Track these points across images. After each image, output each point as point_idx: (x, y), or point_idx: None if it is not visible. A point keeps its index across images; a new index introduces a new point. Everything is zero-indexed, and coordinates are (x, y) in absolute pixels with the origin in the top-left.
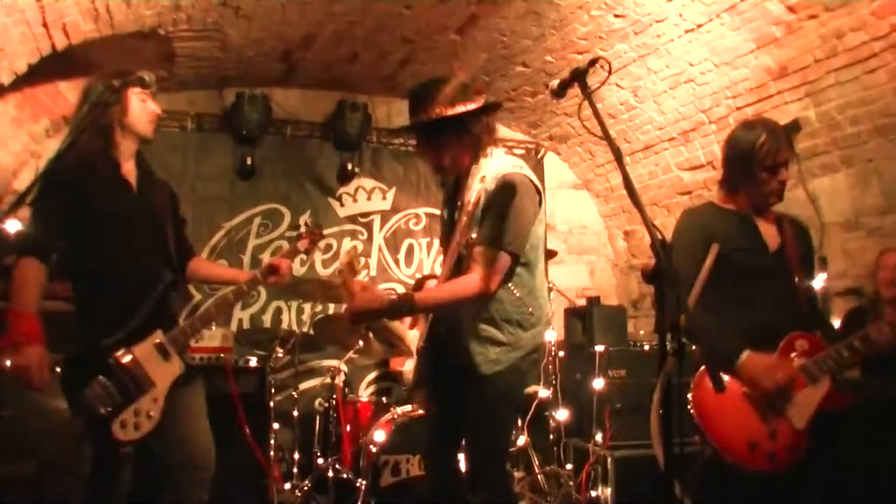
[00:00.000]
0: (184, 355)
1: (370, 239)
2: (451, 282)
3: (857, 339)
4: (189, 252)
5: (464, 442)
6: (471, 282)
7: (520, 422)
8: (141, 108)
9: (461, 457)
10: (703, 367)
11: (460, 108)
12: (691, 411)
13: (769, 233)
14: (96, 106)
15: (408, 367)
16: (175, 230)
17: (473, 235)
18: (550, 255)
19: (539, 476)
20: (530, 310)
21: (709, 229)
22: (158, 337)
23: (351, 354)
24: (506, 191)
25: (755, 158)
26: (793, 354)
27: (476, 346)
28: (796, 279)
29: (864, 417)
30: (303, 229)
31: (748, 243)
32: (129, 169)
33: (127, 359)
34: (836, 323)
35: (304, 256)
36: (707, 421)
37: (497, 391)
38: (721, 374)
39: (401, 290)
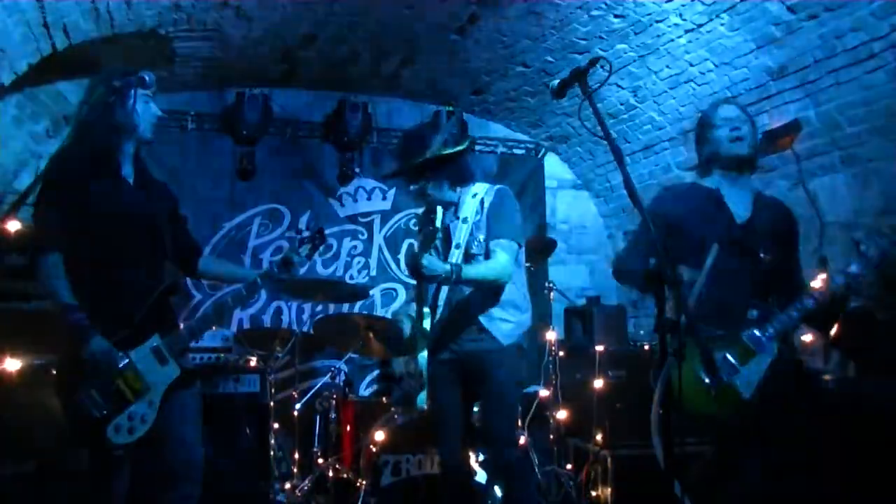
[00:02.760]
0: (181, 358)
1: (370, 239)
2: (486, 262)
3: (804, 298)
4: (196, 250)
5: (480, 412)
6: (501, 264)
7: (520, 422)
8: (144, 110)
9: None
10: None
11: (455, 148)
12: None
13: (740, 206)
14: (98, 106)
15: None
16: (176, 231)
17: (482, 236)
18: (550, 246)
19: (539, 476)
20: (523, 294)
21: (673, 203)
22: (155, 340)
23: (351, 354)
24: (506, 198)
25: (709, 119)
26: None
27: (490, 324)
28: (761, 253)
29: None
30: (305, 233)
31: (714, 216)
32: (128, 170)
33: (122, 363)
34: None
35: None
36: None
37: (510, 361)
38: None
39: (401, 289)
